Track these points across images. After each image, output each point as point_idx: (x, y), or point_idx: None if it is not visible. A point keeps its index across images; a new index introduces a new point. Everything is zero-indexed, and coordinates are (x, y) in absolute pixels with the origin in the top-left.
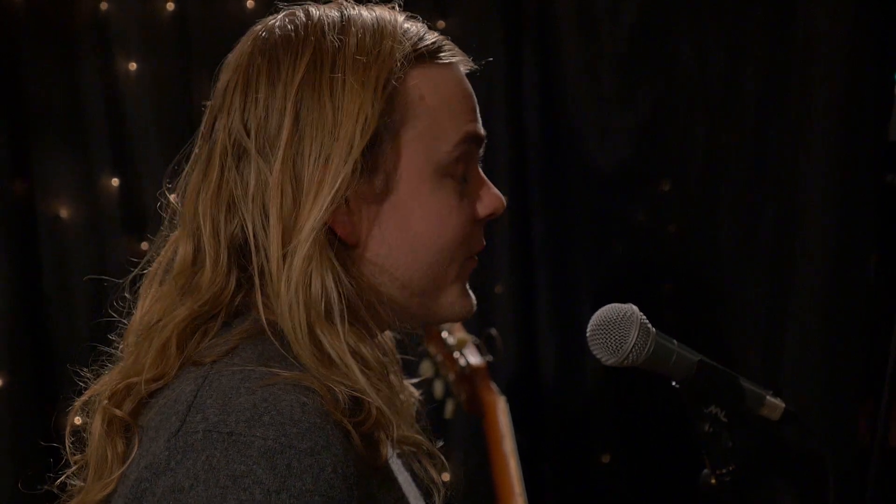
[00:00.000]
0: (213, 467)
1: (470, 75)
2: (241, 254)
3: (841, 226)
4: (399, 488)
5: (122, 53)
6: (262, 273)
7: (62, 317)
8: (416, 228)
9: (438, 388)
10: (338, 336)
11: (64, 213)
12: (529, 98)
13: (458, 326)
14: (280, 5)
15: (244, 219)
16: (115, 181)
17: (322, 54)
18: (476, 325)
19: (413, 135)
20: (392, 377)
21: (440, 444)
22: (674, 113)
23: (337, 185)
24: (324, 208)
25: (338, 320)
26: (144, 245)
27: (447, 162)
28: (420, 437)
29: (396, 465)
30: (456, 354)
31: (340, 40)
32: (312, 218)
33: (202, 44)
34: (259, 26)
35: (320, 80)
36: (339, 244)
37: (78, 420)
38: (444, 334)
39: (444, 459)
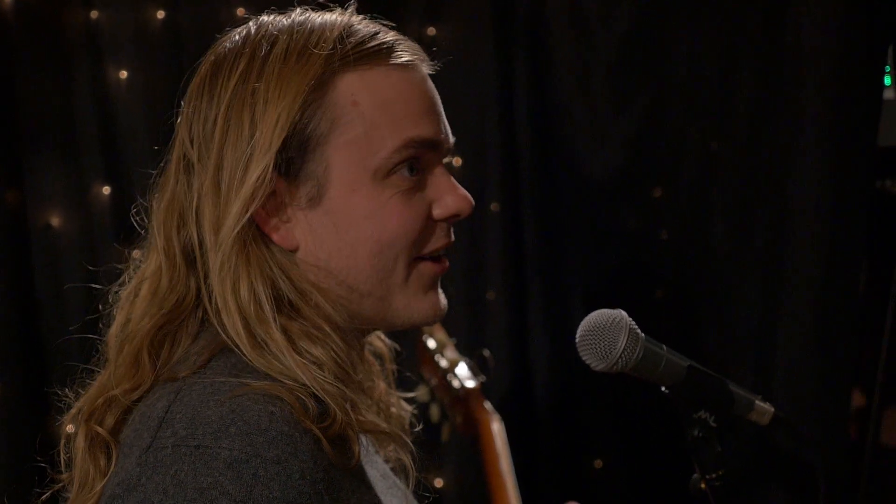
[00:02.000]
0: (181, 482)
1: (462, 83)
2: (194, 262)
3: (832, 231)
4: (374, 493)
5: (113, 61)
6: (207, 279)
7: (55, 325)
8: (354, 232)
9: (434, 411)
10: (272, 337)
11: (56, 221)
12: (521, 105)
13: (450, 347)
14: (245, 17)
15: (190, 229)
16: (107, 189)
17: (252, 64)
18: (467, 331)
19: (344, 140)
20: (355, 370)
21: (420, 426)
22: (666, 120)
23: (250, 188)
24: (237, 213)
25: (271, 321)
26: (136, 253)
27: (386, 167)
28: (382, 425)
29: (381, 470)
30: (449, 377)
31: (267, 49)
32: (229, 223)
33: (193, 52)
34: (221, 39)
35: (245, 90)
36: (279, 249)
37: (70, 427)
38: (437, 357)
39: (412, 444)
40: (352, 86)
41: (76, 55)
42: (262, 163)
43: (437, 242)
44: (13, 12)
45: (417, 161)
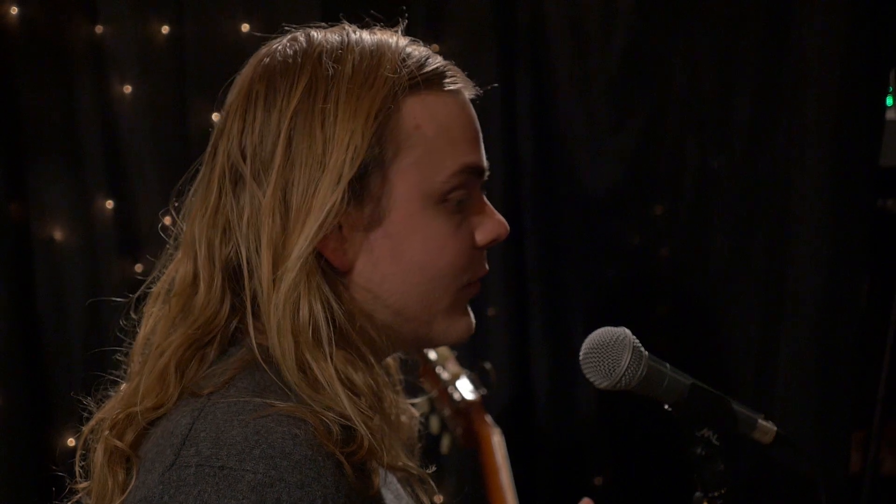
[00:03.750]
0: (204, 503)
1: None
2: (235, 278)
3: (833, 250)
4: None
5: (117, 76)
6: (254, 298)
7: (57, 339)
8: (409, 257)
9: (434, 423)
10: (325, 361)
11: (59, 235)
12: (523, 121)
13: (451, 360)
14: (286, 27)
15: (238, 243)
16: (110, 203)
17: (317, 82)
18: (469, 347)
19: (407, 164)
20: (388, 400)
21: (432, 469)
22: (666, 136)
23: (324, 214)
24: (311, 236)
25: (325, 346)
26: (139, 267)
27: (442, 192)
28: (410, 464)
29: (394, 492)
30: (450, 389)
31: (335, 68)
32: (300, 245)
33: (197, 66)
34: (264, 49)
35: (313, 108)
36: (332, 270)
37: (72, 441)
38: (438, 369)
39: (434, 485)
40: (414, 109)
41: (80, 69)
42: (338, 188)
43: (480, 271)
44: (18, 26)
45: (467, 186)
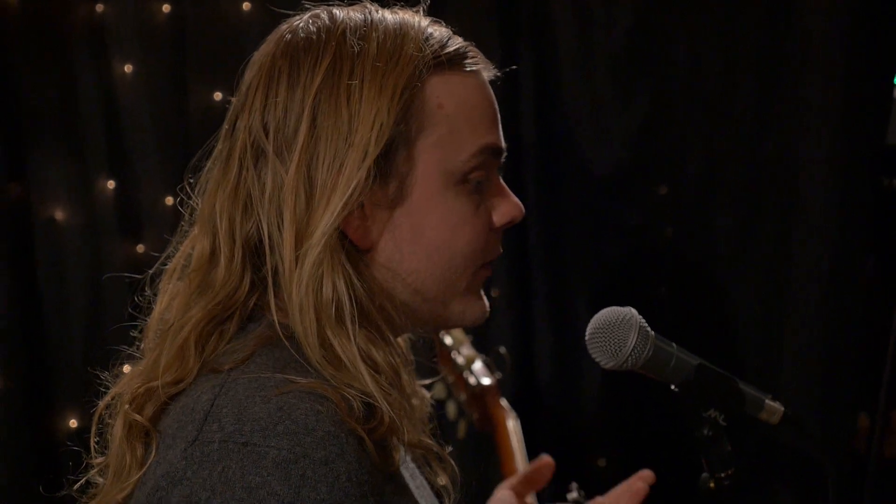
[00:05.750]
0: (228, 479)
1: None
2: (255, 254)
3: (838, 229)
4: (411, 494)
5: (118, 55)
6: (275, 274)
7: (58, 319)
8: (429, 235)
9: (451, 409)
10: (348, 339)
11: (60, 215)
12: (526, 101)
13: (466, 344)
14: (306, 4)
15: (260, 219)
16: (111, 183)
17: (342, 59)
18: (473, 329)
19: (429, 143)
20: (404, 379)
21: (449, 449)
22: (670, 116)
23: (349, 191)
24: (336, 213)
25: (348, 323)
26: (140, 247)
27: (462, 171)
28: (429, 442)
29: (410, 471)
30: (465, 374)
31: (360, 45)
32: (324, 222)
33: (198, 45)
34: (285, 26)
35: (338, 85)
36: (353, 248)
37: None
38: (454, 354)
39: (454, 464)
40: (437, 89)
41: (81, 48)
42: (364, 164)
43: (496, 251)
44: (18, 5)
45: (486, 167)
